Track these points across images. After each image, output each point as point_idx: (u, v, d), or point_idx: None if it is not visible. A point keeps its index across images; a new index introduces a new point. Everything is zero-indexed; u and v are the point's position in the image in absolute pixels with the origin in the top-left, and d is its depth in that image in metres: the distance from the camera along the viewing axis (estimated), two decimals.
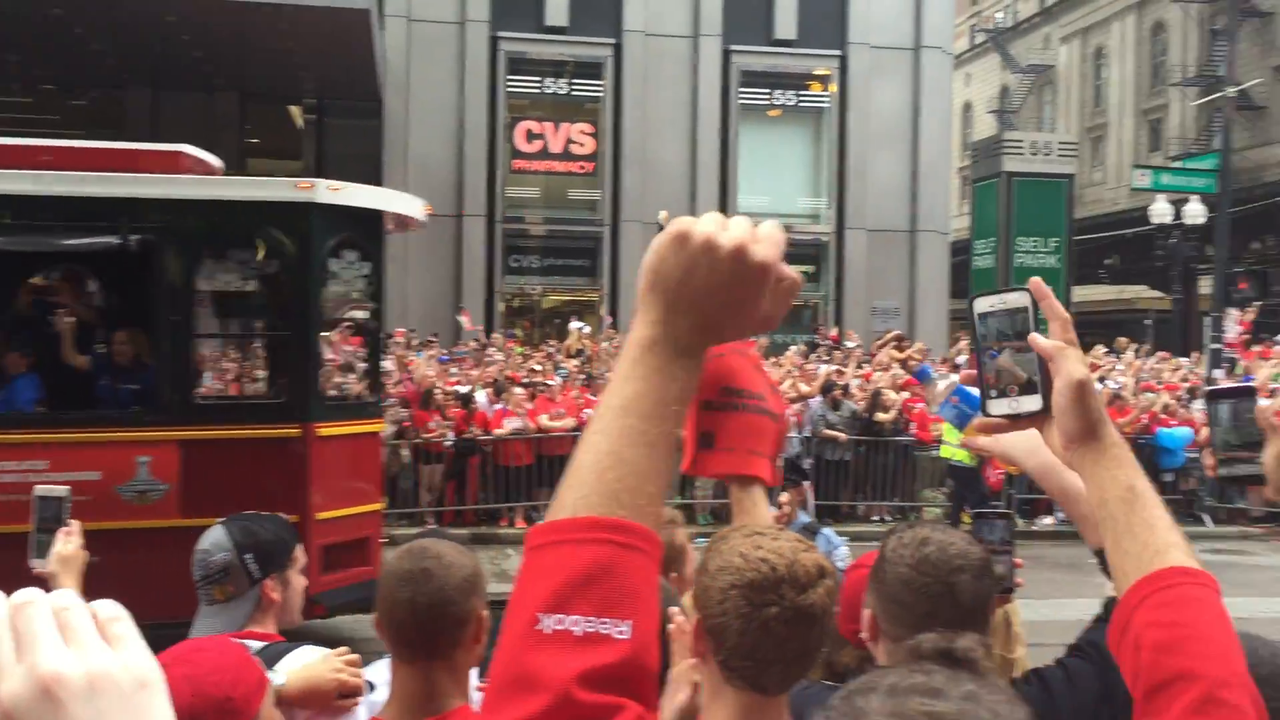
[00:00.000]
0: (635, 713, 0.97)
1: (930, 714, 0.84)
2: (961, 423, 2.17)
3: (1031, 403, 1.47)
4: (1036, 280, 1.50)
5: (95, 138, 9.38)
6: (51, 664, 0.68)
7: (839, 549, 3.40)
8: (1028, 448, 1.91)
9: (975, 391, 2.14)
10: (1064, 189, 24.66)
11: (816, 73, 27.06)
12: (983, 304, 1.53)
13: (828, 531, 4.22)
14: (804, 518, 4.31)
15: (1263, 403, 1.97)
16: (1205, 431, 2.01)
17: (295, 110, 27.10)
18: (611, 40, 26.12)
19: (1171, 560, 1.35)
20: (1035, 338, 1.45)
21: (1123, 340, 22.29)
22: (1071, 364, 1.42)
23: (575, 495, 1.06)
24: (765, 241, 1.14)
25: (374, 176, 23.63)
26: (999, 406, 1.51)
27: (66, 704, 0.67)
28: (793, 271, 1.18)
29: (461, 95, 25.69)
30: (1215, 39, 42.71)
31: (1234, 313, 20.90)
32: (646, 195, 25.09)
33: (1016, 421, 1.51)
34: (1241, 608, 11.47)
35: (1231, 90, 24.81)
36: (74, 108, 24.84)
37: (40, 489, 2.89)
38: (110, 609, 0.74)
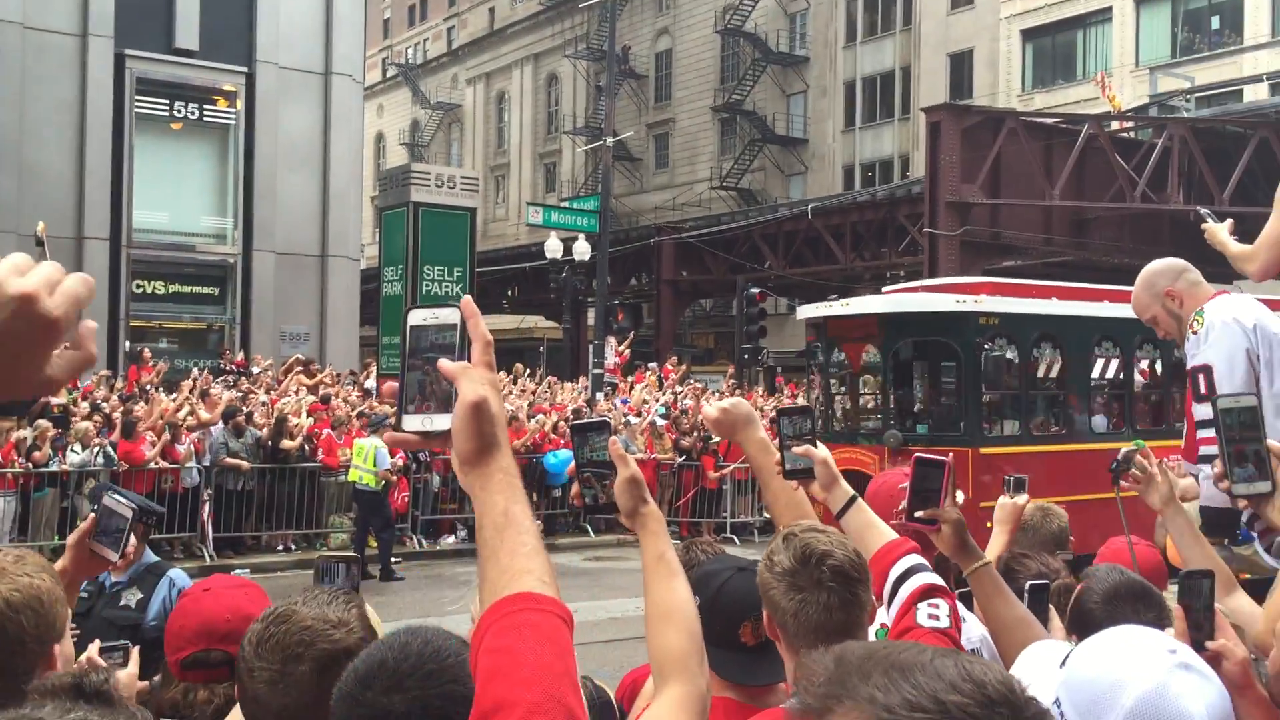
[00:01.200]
0: None
1: None
2: None
3: (444, 421, 1.44)
4: (467, 299, 1.49)
5: None
6: None
7: (185, 585, 3.37)
8: None
9: None
10: (466, 221, 25.90)
11: (223, 88, 26.02)
12: (416, 317, 1.50)
13: (175, 573, 4.09)
14: (150, 557, 4.14)
15: (615, 438, 2.21)
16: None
17: None
18: None
19: (522, 586, 1.35)
20: (443, 363, 1.44)
21: (519, 366, 23.87)
22: (471, 385, 1.41)
23: None
24: (61, 296, 1.05)
25: None
26: (413, 422, 1.47)
27: None
28: (92, 346, 1.10)
29: None
30: (600, 94, 47.35)
31: (613, 341, 23.25)
32: (24, 203, 22.53)
33: (429, 439, 1.47)
34: (616, 608, 12.70)
35: (610, 141, 27.58)
36: None
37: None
38: None
